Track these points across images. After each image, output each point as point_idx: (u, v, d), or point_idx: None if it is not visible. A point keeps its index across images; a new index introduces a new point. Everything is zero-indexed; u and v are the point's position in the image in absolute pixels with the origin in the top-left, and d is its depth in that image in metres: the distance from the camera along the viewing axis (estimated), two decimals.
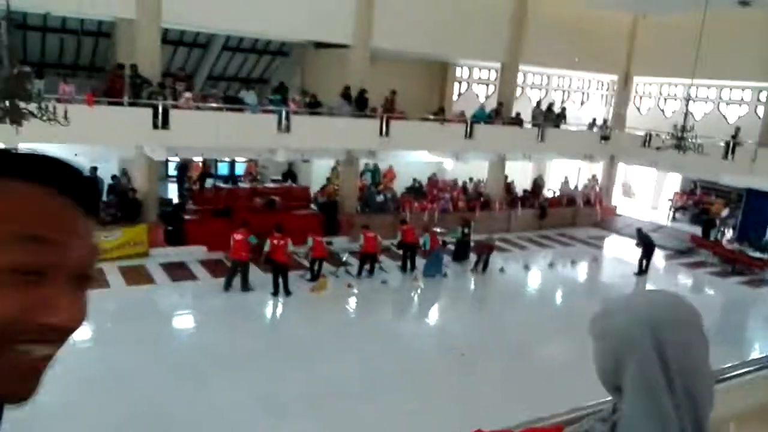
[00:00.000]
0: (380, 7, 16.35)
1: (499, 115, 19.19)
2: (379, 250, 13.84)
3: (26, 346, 0.65)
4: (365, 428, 7.33)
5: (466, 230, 15.56)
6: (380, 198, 18.28)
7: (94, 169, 15.36)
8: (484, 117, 18.95)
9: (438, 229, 15.32)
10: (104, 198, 15.20)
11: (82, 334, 9.52)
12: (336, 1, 15.84)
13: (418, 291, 13.39)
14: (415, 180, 20.28)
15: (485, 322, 11.96)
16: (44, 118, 8.49)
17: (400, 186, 20.02)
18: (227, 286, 12.06)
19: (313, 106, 16.21)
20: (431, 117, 18.17)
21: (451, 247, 15.57)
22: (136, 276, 12.59)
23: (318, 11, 15.50)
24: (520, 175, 21.98)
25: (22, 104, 8.13)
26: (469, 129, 18.12)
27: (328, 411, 7.65)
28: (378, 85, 17.03)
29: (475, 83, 22.50)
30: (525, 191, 21.73)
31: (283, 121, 14.98)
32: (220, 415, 7.37)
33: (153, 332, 10.04)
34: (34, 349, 0.65)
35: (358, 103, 16.42)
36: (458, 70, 21.82)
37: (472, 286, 14.34)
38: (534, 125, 19.63)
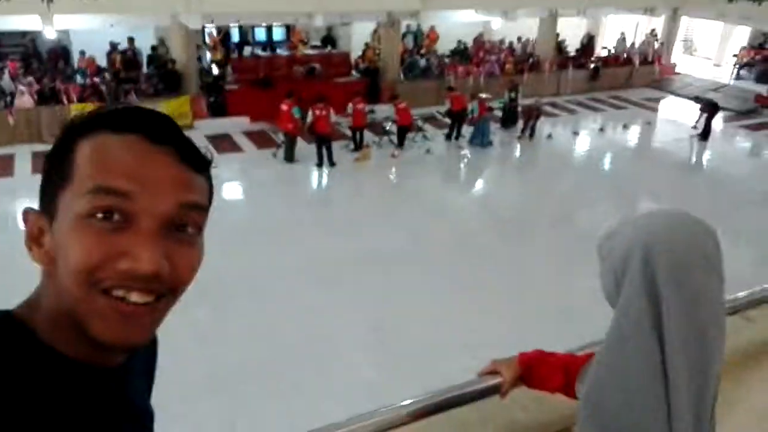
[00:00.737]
0: None
1: None
2: (413, 121, 13.40)
3: (119, 291, 0.68)
4: (410, 290, 7.55)
5: (513, 95, 14.93)
6: (423, 62, 17.54)
7: (131, 40, 15.10)
8: None
9: (484, 95, 14.73)
10: (144, 70, 15.07)
11: None
12: None
13: (464, 160, 13.19)
14: (459, 42, 19.26)
15: (531, 190, 11.81)
16: None
17: (443, 49, 19.09)
18: (289, 157, 12.08)
19: None
20: None
21: (498, 113, 15.05)
22: None
23: None
24: (572, 32, 20.58)
25: None
26: None
27: (374, 276, 7.88)
28: None
29: None
30: (577, 50, 20.46)
31: None
32: (268, 281, 7.70)
33: None
34: (129, 295, 0.68)
35: None
36: None
37: (519, 154, 14.01)
38: None
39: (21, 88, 12.79)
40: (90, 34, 14.46)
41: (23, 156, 11.77)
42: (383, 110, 14.29)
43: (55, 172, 0.71)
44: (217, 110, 14.56)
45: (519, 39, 20.06)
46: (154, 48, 15.40)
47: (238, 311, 7.06)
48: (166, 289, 0.71)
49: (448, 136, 13.95)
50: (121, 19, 13.31)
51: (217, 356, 6.26)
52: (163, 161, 0.70)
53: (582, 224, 9.68)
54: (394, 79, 16.32)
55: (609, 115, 17.05)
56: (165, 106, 13.47)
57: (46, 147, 11.89)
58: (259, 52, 17.65)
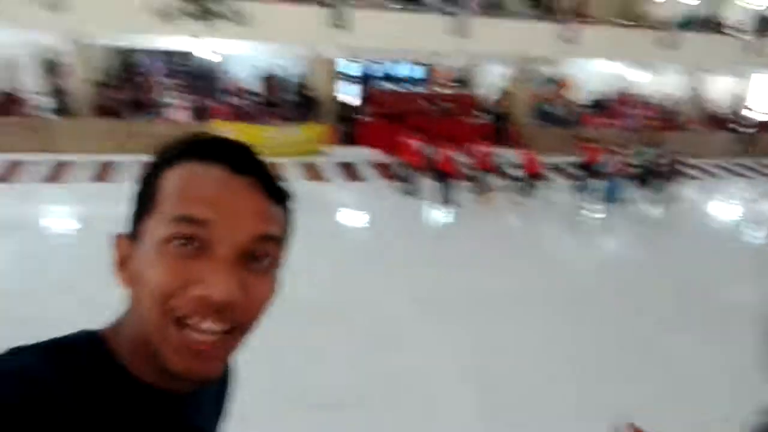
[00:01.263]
0: None
1: (709, 22, 16.60)
2: (541, 169, 13.01)
3: (192, 319, 0.69)
4: (514, 341, 7.18)
5: (653, 151, 14.07)
6: (556, 110, 17.10)
7: (279, 67, 16.10)
8: (689, 23, 16.52)
9: (622, 149, 14.02)
10: (287, 96, 15.96)
11: None
12: None
13: (592, 214, 12.56)
14: (597, 92, 18.63)
15: (659, 255, 10.95)
16: (232, 17, 8.84)
17: (579, 98, 18.52)
18: (408, 191, 12.20)
19: (494, 7, 15.21)
20: (627, 22, 16.23)
21: (635, 169, 14.23)
22: (312, 172, 13.25)
23: None
24: (722, 92, 19.21)
25: (212, 5, 8.50)
26: (669, 37, 15.95)
27: (480, 320, 7.60)
28: None
29: None
30: (727, 112, 19.03)
31: (461, 24, 14.29)
32: (377, 309, 7.66)
33: (323, 226, 10.59)
34: (201, 323, 0.69)
35: (543, 6, 15.10)
36: None
37: (652, 215, 13.12)
38: (749, 35, 16.74)
39: (177, 103, 14.01)
40: (242, 58, 15.60)
41: None
42: (510, 155, 14.04)
43: (142, 199, 0.74)
44: (349, 140, 15.05)
45: (663, 95, 19.03)
46: (298, 76, 16.30)
47: (342, 334, 7.07)
48: (237, 321, 0.72)
49: (578, 189, 13.38)
50: (272, 47, 14.25)
51: (313, 376, 6.26)
52: (244, 191, 0.72)
53: (719, 300, 8.77)
54: (524, 124, 16.04)
55: (763, 184, 15.56)
56: (301, 131, 14.16)
57: None
58: (394, 87, 18.12)
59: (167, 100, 14.31)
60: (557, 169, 14.06)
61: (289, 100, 15.60)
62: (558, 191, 13.24)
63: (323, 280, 8.38)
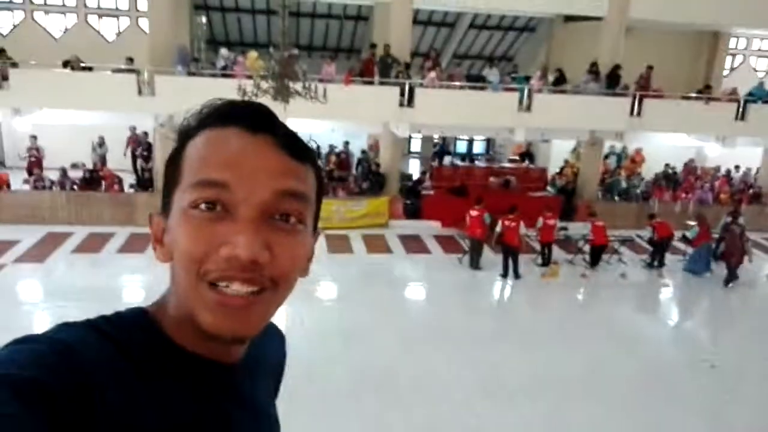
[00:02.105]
0: None
1: None
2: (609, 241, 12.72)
3: (223, 282, 0.70)
4: (584, 427, 6.85)
5: (732, 223, 13.48)
6: (625, 184, 16.84)
7: (347, 143, 16.78)
8: (763, 95, 16.15)
9: (692, 222, 13.57)
10: (353, 171, 16.53)
11: (327, 292, 10.57)
12: None
13: (665, 289, 12.07)
14: (667, 166, 18.24)
15: (746, 334, 10.30)
16: (307, 96, 9.40)
17: (649, 172, 18.19)
18: (473, 263, 12.21)
19: (558, 83, 15.46)
20: (694, 95, 16.06)
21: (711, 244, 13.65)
22: (376, 245, 13.49)
23: None
24: None
25: (290, 84, 9.09)
26: (741, 109, 15.62)
27: (546, 402, 7.32)
28: (632, 60, 15.58)
29: (753, 55, 19.29)
30: None
31: (524, 100, 14.58)
32: (440, 385, 7.54)
33: (386, 298, 10.66)
34: (231, 285, 0.70)
35: (609, 80, 15.21)
36: (732, 40, 18.89)
37: (732, 289, 12.44)
38: None
39: None
40: (314, 136, 16.39)
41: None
42: (576, 228, 13.83)
43: (170, 175, 0.76)
44: (413, 213, 15.30)
45: (737, 167, 18.41)
46: (363, 152, 16.92)
47: (403, 408, 6.97)
48: (267, 280, 0.72)
49: (650, 264, 12.95)
50: (342, 125, 14.94)
51: None
52: (261, 150, 0.72)
53: None
54: (591, 198, 15.84)
55: None
56: (368, 204, 14.54)
57: None
58: (458, 162, 18.44)
59: None
60: (627, 242, 13.68)
61: (356, 175, 16.14)
62: (628, 265, 12.85)
63: (387, 352, 8.38)
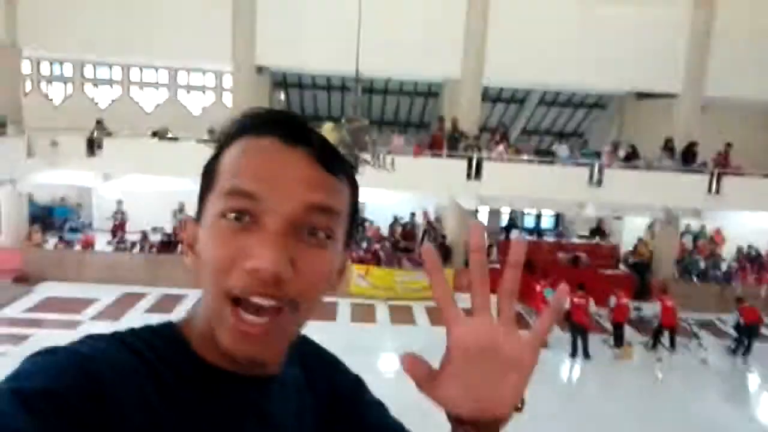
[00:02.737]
0: (715, 50, 14.68)
1: None
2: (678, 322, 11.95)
3: (241, 295, 0.68)
4: None
5: None
6: (705, 264, 16.03)
7: (413, 214, 16.94)
8: None
9: None
10: (419, 241, 16.58)
11: (387, 365, 10.40)
12: (664, 49, 14.76)
13: (751, 378, 11.17)
14: (750, 247, 17.26)
15: None
16: (376, 165, 9.66)
17: (730, 253, 17.27)
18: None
19: (630, 159, 15.19)
20: None
21: None
22: (441, 318, 13.22)
23: (643, 60, 14.69)
24: None
25: (360, 154, 9.40)
26: None
27: None
28: (707, 137, 15.17)
29: None
30: None
31: (595, 174, 14.38)
32: None
33: None
34: (250, 298, 0.68)
35: (685, 157, 14.83)
36: None
37: None
38: None
39: None
40: (378, 204, 16.67)
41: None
42: (651, 309, 13.17)
43: (206, 181, 0.76)
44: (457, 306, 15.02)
45: None
46: (429, 223, 16.99)
47: None
48: (286, 299, 0.69)
49: (734, 351, 12.08)
50: (410, 196, 15.16)
51: None
52: (294, 162, 0.71)
53: None
54: (667, 278, 15.13)
55: None
56: None
57: (328, 298, 13.48)
58: (525, 236, 18.17)
59: None
60: (707, 325, 12.87)
61: (421, 245, 16.16)
62: (709, 351, 12.02)
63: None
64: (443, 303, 0.70)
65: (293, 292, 0.69)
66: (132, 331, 0.75)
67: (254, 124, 0.74)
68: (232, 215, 0.69)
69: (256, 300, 0.68)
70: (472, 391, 0.68)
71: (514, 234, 18.21)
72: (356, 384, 1.00)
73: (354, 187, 0.79)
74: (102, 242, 15.49)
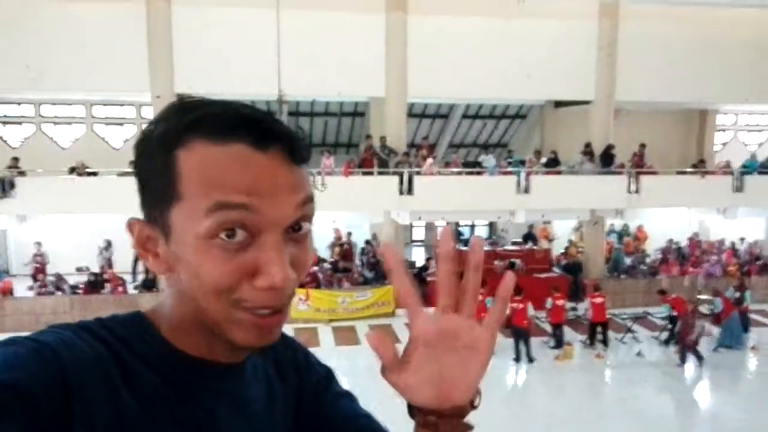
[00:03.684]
0: (623, 59, 15.55)
1: None
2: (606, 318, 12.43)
3: (260, 310, 0.69)
4: None
5: (740, 296, 13.32)
6: (629, 261, 16.80)
7: (349, 234, 16.89)
8: (755, 167, 16.44)
9: (703, 297, 13.41)
10: (357, 261, 16.54)
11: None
12: (576, 59, 15.50)
13: (688, 367, 11.69)
14: (671, 241, 18.25)
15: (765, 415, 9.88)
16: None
17: (652, 247, 18.19)
18: None
19: (552, 165, 15.80)
20: (690, 170, 16.37)
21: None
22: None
23: (558, 70, 15.35)
24: None
25: None
26: (738, 181, 15.86)
27: None
28: (624, 139, 16.03)
29: (742, 130, 19.83)
30: None
31: (522, 182, 14.84)
32: None
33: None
34: (259, 309, 0.69)
35: (603, 160, 15.55)
36: (720, 117, 19.48)
37: (752, 367, 12.07)
38: None
39: None
40: (316, 229, 16.53)
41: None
42: (585, 308, 13.64)
43: (157, 185, 0.69)
44: (421, 299, 15.11)
45: (742, 239, 18.41)
46: (367, 242, 16.99)
47: None
48: (290, 294, 0.71)
49: (667, 341, 12.62)
50: (343, 216, 15.13)
51: None
52: (274, 168, 0.68)
53: None
54: (598, 276, 15.74)
55: None
56: (373, 294, 14.43)
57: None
58: (462, 247, 18.46)
59: None
60: (639, 319, 13.44)
61: (359, 265, 16.13)
62: (644, 343, 12.53)
63: None
64: (406, 296, 0.71)
65: (293, 288, 0.71)
66: (100, 321, 0.72)
67: (212, 126, 0.67)
68: (224, 234, 0.66)
69: (266, 310, 0.69)
70: (433, 378, 0.71)
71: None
72: (326, 375, 1.01)
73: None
74: (21, 288, 14.55)
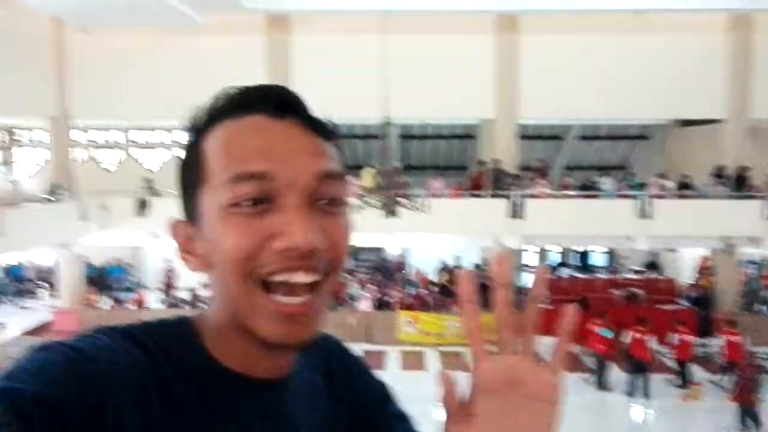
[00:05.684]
0: (759, 74, 14.32)
1: None
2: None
3: (281, 276, 0.65)
4: None
5: None
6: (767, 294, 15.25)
7: (458, 258, 16.75)
8: None
9: None
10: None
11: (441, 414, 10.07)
12: (703, 75, 14.50)
13: None
14: None
15: None
16: (411, 207, 9.70)
17: None
18: (599, 384, 11.30)
19: (682, 188, 14.73)
20: None
21: None
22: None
23: (683, 87, 14.42)
24: None
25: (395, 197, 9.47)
26: None
27: None
28: (759, 161, 14.64)
29: None
30: None
31: (644, 206, 13.97)
32: None
33: None
34: (292, 277, 0.65)
35: (737, 183, 14.30)
36: None
37: None
38: None
39: (364, 294, 15.02)
40: (423, 249, 16.58)
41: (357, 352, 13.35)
42: (716, 343, 12.50)
43: (189, 177, 0.71)
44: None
45: None
46: (477, 266, 16.74)
47: None
48: (327, 265, 0.67)
49: None
50: (452, 239, 15.03)
51: None
52: (291, 134, 0.68)
53: None
54: (730, 311, 14.39)
55: None
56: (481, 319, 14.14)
57: (376, 347, 13.37)
58: (576, 274, 17.68)
59: (354, 292, 15.37)
60: None
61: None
62: None
63: None
64: (473, 334, 0.68)
65: (328, 261, 0.68)
66: (146, 327, 0.72)
67: (235, 104, 0.70)
68: (248, 202, 0.65)
69: (300, 277, 0.66)
70: (497, 429, 0.65)
71: (564, 272, 17.77)
72: (381, 393, 0.95)
73: (341, 150, 0.75)
74: (154, 300, 15.79)
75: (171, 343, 0.70)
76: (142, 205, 14.46)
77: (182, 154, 0.73)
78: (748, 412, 9.42)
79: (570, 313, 0.67)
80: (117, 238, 15.50)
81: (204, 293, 15.43)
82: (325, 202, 0.69)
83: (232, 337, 0.71)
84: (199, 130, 0.71)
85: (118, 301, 15.81)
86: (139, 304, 15.35)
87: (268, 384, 0.74)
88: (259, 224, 0.65)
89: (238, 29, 14.71)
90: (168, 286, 16.34)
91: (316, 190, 0.67)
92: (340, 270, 0.71)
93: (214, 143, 0.69)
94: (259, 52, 14.83)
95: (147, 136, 20.12)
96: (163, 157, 20.03)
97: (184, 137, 0.73)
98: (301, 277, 0.66)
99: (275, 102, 0.69)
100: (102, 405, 0.59)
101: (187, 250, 0.73)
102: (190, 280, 16.14)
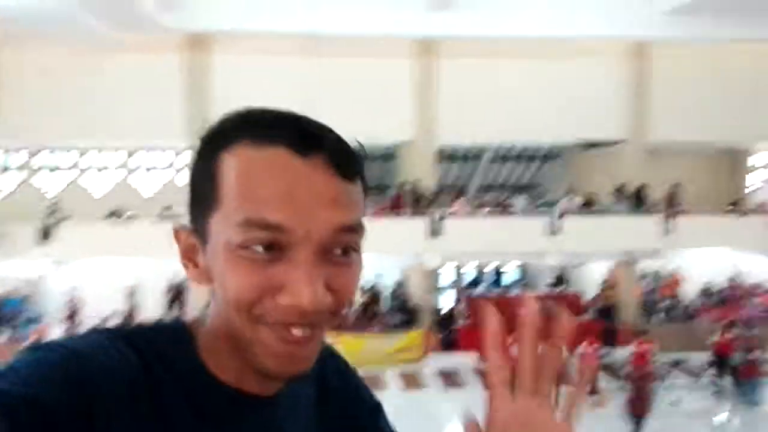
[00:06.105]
0: (657, 98, 15.46)
1: None
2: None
3: (281, 327, 0.64)
4: None
5: None
6: (667, 305, 16.30)
7: (378, 277, 16.81)
8: None
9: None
10: (388, 305, 16.39)
11: None
12: (606, 99, 15.49)
13: (725, 419, 11.13)
14: (709, 284, 17.65)
15: None
16: None
17: (690, 289, 17.61)
18: None
19: (585, 206, 15.58)
20: (727, 208, 15.99)
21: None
22: (413, 381, 13.00)
23: (588, 110, 15.32)
24: None
25: None
26: None
27: None
28: (656, 179, 15.76)
29: None
30: None
31: (553, 223, 14.66)
32: None
33: None
34: (290, 331, 0.65)
35: (636, 200, 15.31)
36: (753, 157, 19.13)
37: None
38: None
39: None
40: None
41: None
42: (621, 353, 13.19)
43: (201, 190, 0.68)
44: (450, 346, 14.88)
45: None
46: (398, 285, 16.87)
47: None
48: (326, 318, 0.67)
49: (707, 388, 12.06)
50: (373, 259, 15.06)
51: None
52: (313, 178, 0.63)
53: None
54: (632, 321, 15.29)
55: None
56: (401, 339, 14.24)
57: None
58: (492, 290, 18.18)
59: None
60: (676, 365, 12.93)
61: (389, 309, 15.96)
62: (681, 391, 12.03)
63: None
64: (495, 373, 0.69)
65: (331, 310, 0.66)
66: (141, 330, 0.71)
67: (259, 125, 0.66)
68: (259, 247, 0.63)
69: (296, 332, 0.65)
70: None
71: (480, 289, 18.23)
72: (373, 410, 0.96)
73: (364, 180, 0.71)
74: (56, 332, 14.74)
75: (165, 347, 0.69)
76: (46, 232, 13.58)
77: (197, 161, 0.70)
78: (638, 422, 9.95)
79: (587, 364, 0.70)
80: (15, 268, 14.43)
81: (114, 323, 14.64)
82: (340, 253, 0.66)
83: (228, 353, 0.69)
84: (220, 142, 0.67)
85: (16, 335, 14.66)
86: (40, 336, 14.29)
87: (263, 399, 0.73)
88: (266, 272, 0.63)
89: (157, 48, 14.24)
90: (72, 317, 15.33)
91: (331, 242, 0.65)
92: (342, 314, 0.69)
93: (230, 170, 0.65)
94: (178, 71, 14.43)
95: (54, 158, 18.88)
96: (65, 182, 18.86)
97: (198, 149, 0.70)
98: (298, 332, 0.65)
99: (300, 134, 0.64)
100: (92, 405, 0.59)
101: (188, 257, 0.71)
102: (97, 308, 15.27)
